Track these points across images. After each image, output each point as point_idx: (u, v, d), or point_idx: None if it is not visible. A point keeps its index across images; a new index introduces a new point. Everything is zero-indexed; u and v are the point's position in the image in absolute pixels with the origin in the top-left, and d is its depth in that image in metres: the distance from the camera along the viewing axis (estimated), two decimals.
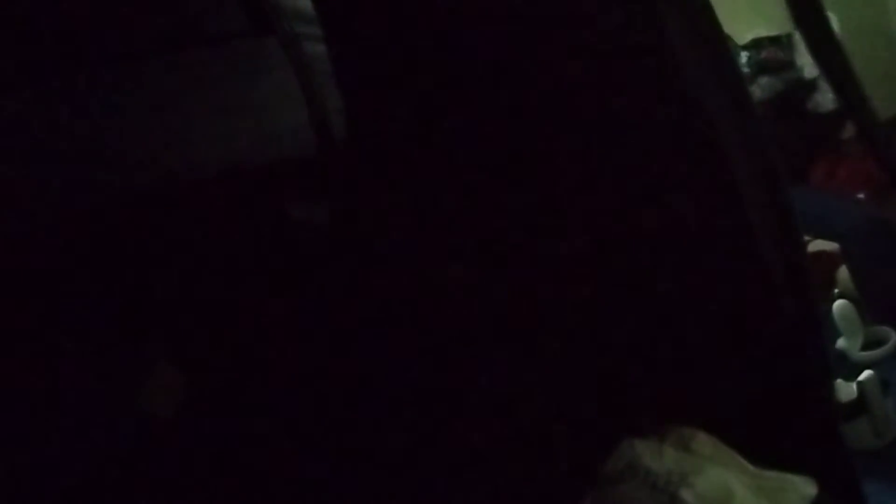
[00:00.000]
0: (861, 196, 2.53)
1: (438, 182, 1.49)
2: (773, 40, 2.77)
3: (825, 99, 2.58)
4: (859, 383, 2.10)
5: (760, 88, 2.67)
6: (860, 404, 2.09)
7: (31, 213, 1.27)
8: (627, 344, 1.43)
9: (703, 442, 1.32)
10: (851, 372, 2.15)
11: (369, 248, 1.48)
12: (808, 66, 2.66)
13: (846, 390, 2.10)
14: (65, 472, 1.27)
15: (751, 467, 1.31)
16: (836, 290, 2.45)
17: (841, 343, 2.38)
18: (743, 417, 1.40)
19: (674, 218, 1.37)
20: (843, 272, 2.50)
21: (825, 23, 1.60)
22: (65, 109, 1.31)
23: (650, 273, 1.42)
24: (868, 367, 2.14)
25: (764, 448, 1.34)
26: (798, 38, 2.67)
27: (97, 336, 1.32)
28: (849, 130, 2.61)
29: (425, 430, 1.42)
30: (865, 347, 2.38)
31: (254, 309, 1.39)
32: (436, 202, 1.51)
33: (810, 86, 2.61)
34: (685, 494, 1.23)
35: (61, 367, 1.29)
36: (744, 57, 2.78)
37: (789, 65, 2.70)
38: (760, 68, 2.60)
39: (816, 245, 2.50)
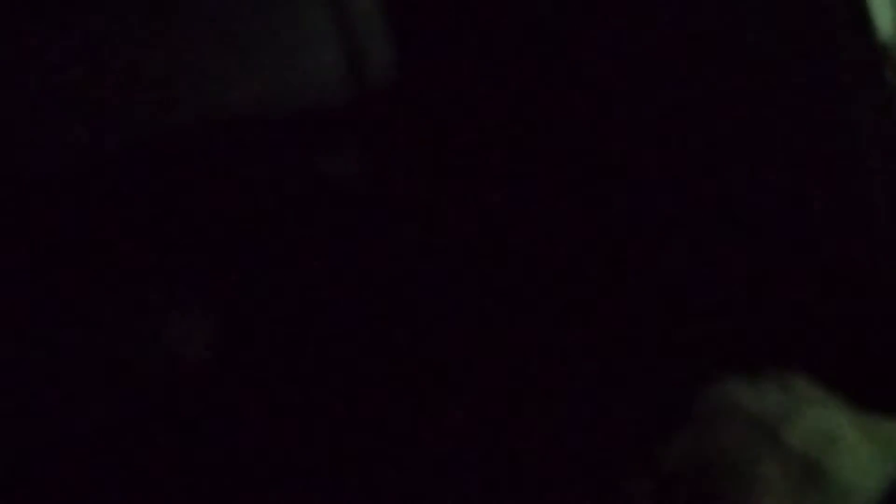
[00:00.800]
0: None
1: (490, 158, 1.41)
2: None
3: None
4: None
5: None
6: None
7: (62, 152, 1.27)
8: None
9: (805, 384, 1.21)
10: None
11: (399, 206, 1.39)
12: None
13: None
14: (91, 410, 1.24)
15: (854, 410, 1.20)
16: None
17: None
18: (847, 371, 1.30)
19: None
20: None
21: None
22: (92, 45, 1.28)
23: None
24: None
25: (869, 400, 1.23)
26: None
27: (126, 275, 1.27)
28: None
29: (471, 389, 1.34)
30: None
31: (281, 256, 1.32)
32: (483, 176, 1.42)
33: None
34: (787, 435, 1.12)
35: (91, 304, 1.26)
36: None
37: None
38: None
39: None
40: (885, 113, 1.36)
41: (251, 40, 1.34)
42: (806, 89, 1.34)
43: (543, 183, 1.40)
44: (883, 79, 1.37)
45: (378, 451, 1.28)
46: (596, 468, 1.27)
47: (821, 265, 1.34)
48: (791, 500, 1.10)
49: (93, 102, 1.27)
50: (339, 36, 1.38)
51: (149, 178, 1.27)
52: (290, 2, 1.35)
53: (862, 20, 1.33)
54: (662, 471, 1.20)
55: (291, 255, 1.32)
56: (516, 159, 1.41)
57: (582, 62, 1.38)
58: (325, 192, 1.37)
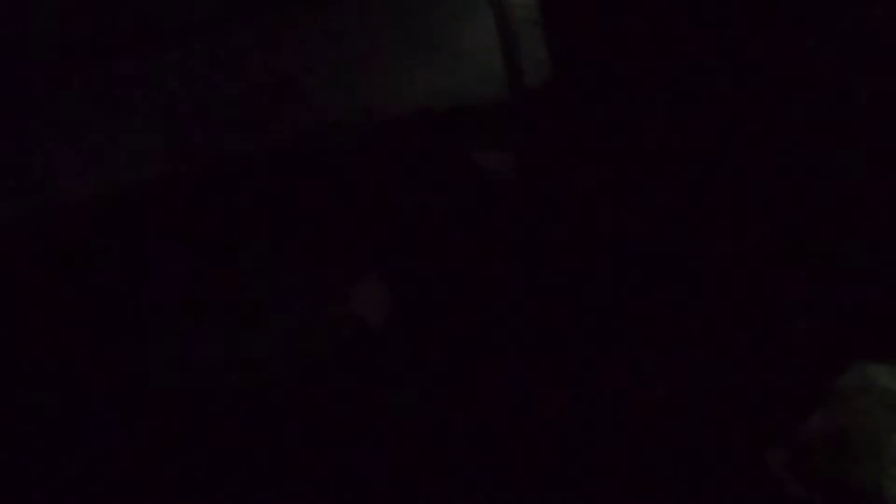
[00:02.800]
0: None
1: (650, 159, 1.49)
2: None
3: None
4: None
5: None
6: None
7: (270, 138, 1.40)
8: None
9: None
10: None
11: (553, 201, 1.45)
12: None
13: None
14: (284, 369, 1.37)
15: None
16: None
17: None
18: None
19: None
20: None
21: None
22: (265, 49, 1.40)
23: None
24: None
25: None
26: None
27: (312, 244, 1.41)
28: None
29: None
30: None
31: (447, 241, 1.42)
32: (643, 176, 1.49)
33: None
34: None
35: (299, 276, 1.40)
36: None
37: None
38: None
39: None
40: None
41: (423, 44, 1.43)
42: None
43: (694, 181, 1.46)
44: None
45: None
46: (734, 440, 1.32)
47: None
48: None
49: (303, 94, 1.40)
50: (502, 42, 1.47)
51: (339, 169, 1.41)
52: (457, 14, 1.44)
53: None
54: (800, 442, 1.26)
55: (454, 241, 1.43)
56: (669, 158, 1.48)
57: (735, 64, 1.44)
58: (483, 185, 1.45)
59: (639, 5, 1.46)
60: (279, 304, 1.37)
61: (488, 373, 1.37)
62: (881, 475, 1.17)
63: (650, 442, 1.32)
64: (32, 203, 1.36)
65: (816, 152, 1.42)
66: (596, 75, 1.48)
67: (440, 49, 1.45)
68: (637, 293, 1.42)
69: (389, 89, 1.43)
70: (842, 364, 1.27)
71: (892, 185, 1.38)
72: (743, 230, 1.42)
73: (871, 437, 1.19)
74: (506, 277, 1.42)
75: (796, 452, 1.27)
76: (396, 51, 1.43)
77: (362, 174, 1.43)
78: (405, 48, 1.44)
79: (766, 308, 1.39)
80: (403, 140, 1.44)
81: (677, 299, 1.40)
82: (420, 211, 1.44)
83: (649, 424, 1.34)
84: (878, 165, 1.39)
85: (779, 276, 1.39)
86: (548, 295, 1.42)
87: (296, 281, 1.39)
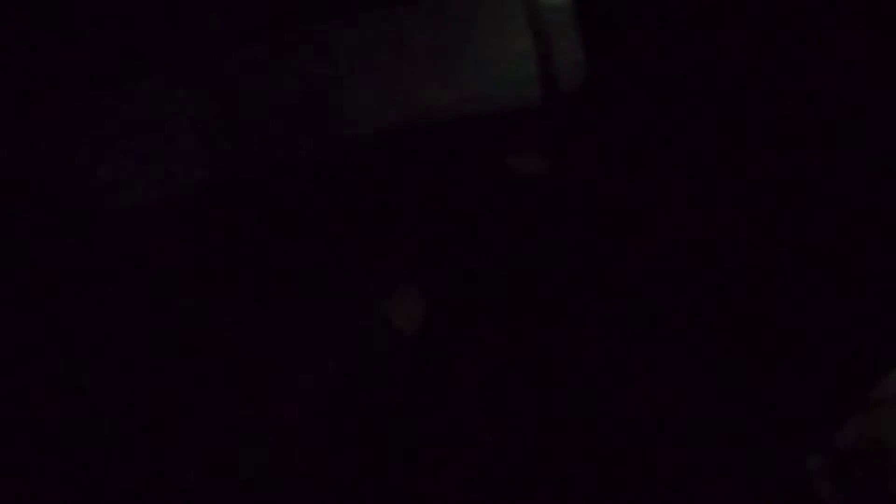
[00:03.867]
0: None
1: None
2: None
3: None
4: None
5: None
6: None
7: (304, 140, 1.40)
8: None
9: None
10: None
11: (587, 206, 1.45)
12: None
13: None
14: (326, 368, 1.38)
15: None
16: None
17: None
18: None
19: None
20: None
21: None
22: (300, 59, 1.41)
23: None
24: None
25: None
26: None
27: (345, 250, 1.41)
28: None
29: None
30: None
31: (481, 248, 1.43)
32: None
33: None
34: None
35: (331, 283, 1.41)
36: None
37: None
38: None
39: None
40: None
41: (456, 50, 1.42)
42: None
43: (724, 186, 1.44)
44: None
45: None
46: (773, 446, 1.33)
47: None
48: None
49: (337, 105, 1.41)
50: (536, 45, 1.45)
51: (373, 178, 1.41)
52: (490, 18, 1.43)
53: None
54: (840, 450, 1.26)
55: (488, 247, 1.43)
56: (702, 164, 1.45)
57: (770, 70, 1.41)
58: (517, 189, 1.45)
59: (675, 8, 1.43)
60: (309, 319, 1.40)
61: (518, 384, 1.39)
62: None
63: (670, 447, 1.34)
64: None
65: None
66: (633, 78, 1.45)
67: (474, 55, 1.44)
68: (667, 298, 1.42)
69: (423, 97, 1.43)
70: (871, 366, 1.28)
71: None
72: (774, 235, 1.40)
73: None
74: (538, 283, 1.42)
75: (838, 460, 1.27)
76: (429, 58, 1.43)
77: (395, 181, 1.45)
78: (438, 55, 1.44)
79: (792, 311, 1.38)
80: (439, 146, 1.45)
81: (705, 302, 1.40)
82: (453, 215, 1.45)
83: (673, 429, 1.36)
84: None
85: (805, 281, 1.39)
86: (579, 302, 1.43)
87: (328, 293, 1.41)
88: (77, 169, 1.40)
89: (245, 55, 1.40)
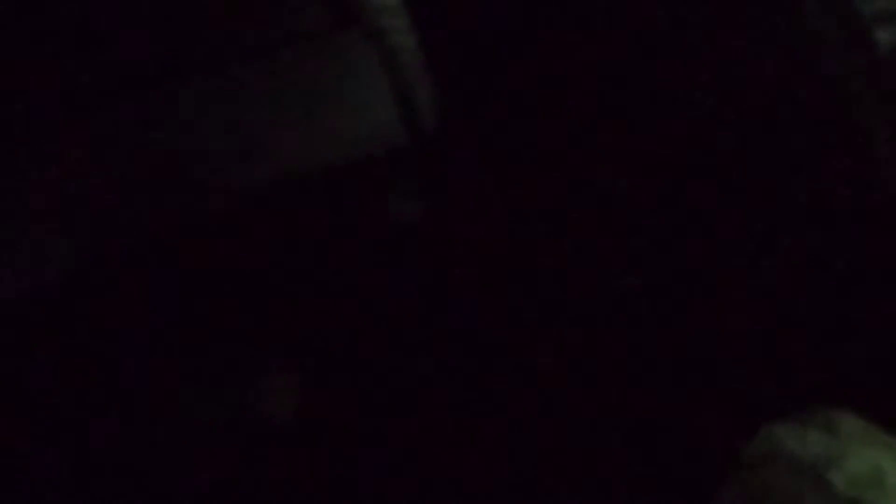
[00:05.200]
0: None
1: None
2: None
3: None
4: None
5: None
6: None
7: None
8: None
9: (851, 423, 1.21)
10: None
11: (464, 246, 1.42)
12: None
13: None
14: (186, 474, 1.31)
15: None
16: None
17: None
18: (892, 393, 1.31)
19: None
20: None
21: None
22: (155, 122, 1.35)
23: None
24: None
25: None
26: None
27: (211, 337, 1.34)
28: None
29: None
30: None
31: (360, 309, 1.38)
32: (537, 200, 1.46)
33: None
34: (834, 477, 1.14)
35: (185, 366, 1.33)
36: None
37: None
38: (872, 19, 2.42)
39: None
40: None
41: (318, 101, 1.39)
42: None
43: (595, 218, 1.44)
44: None
45: None
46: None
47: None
48: None
49: (182, 169, 1.35)
50: (393, 89, 1.43)
51: (222, 243, 1.34)
52: (349, 65, 1.40)
53: None
54: None
55: (370, 307, 1.38)
56: (570, 193, 1.45)
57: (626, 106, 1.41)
58: (397, 237, 1.42)
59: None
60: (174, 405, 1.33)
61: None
62: None
63: None
64: None
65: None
66: (484, 116, 1.44)
67: (338, 101, 1.42)
68: (550, 338, 1.41)
69: (291, 148, 1.40)
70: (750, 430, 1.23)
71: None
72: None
73: None
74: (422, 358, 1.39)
75: None
76: (292, 109, 1.40)
77: (268, 242, 1.40)
78: (301, 105, 1.40)
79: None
80: (311, 197, 1.41)
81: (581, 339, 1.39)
82: (334, 274, 1.41)
83: None
84: None
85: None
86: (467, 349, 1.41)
87: (188, 377, 1.33)
88: None
89: (95, 127, 1.36)
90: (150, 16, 1.35)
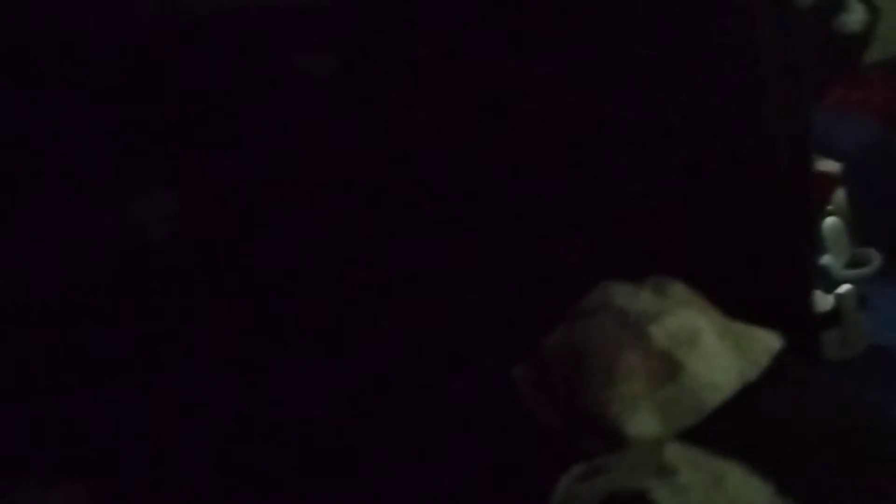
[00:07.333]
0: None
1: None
2: None
3: (853, 20, 2.52)
4: (837, 295, 2.12)
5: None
6: (835, 316, 2.11)
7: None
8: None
9: (679, 289, 1.30)
10: (832, 287, 2.17)
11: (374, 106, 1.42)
12: None
13: (824, 302, 2.11)
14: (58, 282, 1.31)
15: (721, 316, 1.31)
16: (830, 208, 2.45)
17: (826, 259, 2.39)
18: (725, 279, 1.41)
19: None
20: (839, 195, 2.49)
21: None
22: None
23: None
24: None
25: (740, 309, 1.34)
26: None
27: (98, 154, 1.33)
28: (872, 54, 2.57)
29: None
30: (848, 267, 2.40)
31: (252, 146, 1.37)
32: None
33: (840, 4, 2.54)
34: (654, 330, 1.22)
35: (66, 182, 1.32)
36: None
37: None
38: None
39: (819, 165, 2.48)
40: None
41: None
42: None
43: None
44: None
45: None
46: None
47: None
48: (649, 388, 1.19)
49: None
50: None
51: (134, 65, 1.32)
52: None
53: None
54: (543, 359, 1.29)
55: (261, 147, 1.37)
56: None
57: None
58: (301, 87, 1.38)
59: None
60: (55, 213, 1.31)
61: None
62: (607, 392, 1.19)
63: None
64: None
65: None
66: None
67: None
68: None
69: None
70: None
71: None
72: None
73: (601, 353, 1.22)
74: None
75: (540, 368, 1.29)
76: None
77: (172, 79, 1.35)
78: None
79: None
80: (219, 43, 1.36)
81: None
82: (225, 114, 1.36)
83: None
84: None
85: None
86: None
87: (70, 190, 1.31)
88: None
89: None
90: None
